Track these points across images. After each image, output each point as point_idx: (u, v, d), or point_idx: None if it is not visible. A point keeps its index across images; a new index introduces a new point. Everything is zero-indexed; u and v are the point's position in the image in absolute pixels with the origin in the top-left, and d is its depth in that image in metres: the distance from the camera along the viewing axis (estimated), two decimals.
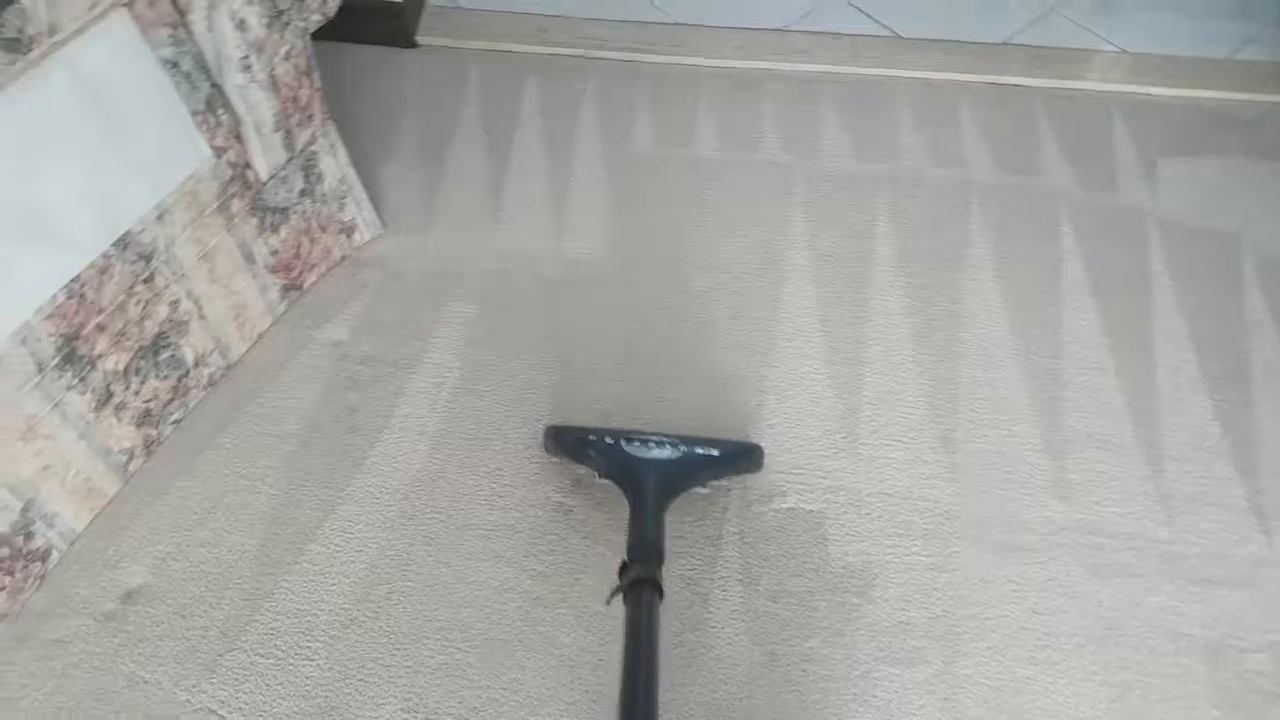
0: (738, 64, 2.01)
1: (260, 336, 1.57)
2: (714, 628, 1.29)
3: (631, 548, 1.26)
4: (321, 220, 1.58)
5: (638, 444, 1.37)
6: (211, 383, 1.50)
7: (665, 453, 1.37)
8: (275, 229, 1.49)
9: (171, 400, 1.43)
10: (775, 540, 1.39)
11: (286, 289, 1.58)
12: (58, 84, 1.11)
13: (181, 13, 1.23)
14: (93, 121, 1.16)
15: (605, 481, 1.40)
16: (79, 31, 1.11)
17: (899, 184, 1.83)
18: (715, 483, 1.44)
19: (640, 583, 1.18)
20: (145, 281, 1.30)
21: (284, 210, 1.50)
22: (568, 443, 1.43)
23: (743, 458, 1.45)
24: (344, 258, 1.67)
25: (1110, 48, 2.06)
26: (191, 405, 1.48)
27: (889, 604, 1.32)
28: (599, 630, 1.29)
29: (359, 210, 1.64)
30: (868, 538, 1.39)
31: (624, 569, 1.22)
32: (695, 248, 1.73)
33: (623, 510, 1.33)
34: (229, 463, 1.46)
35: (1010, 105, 1.97)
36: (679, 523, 1.39)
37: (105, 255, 1.22)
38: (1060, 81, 2.00)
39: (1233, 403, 1.53)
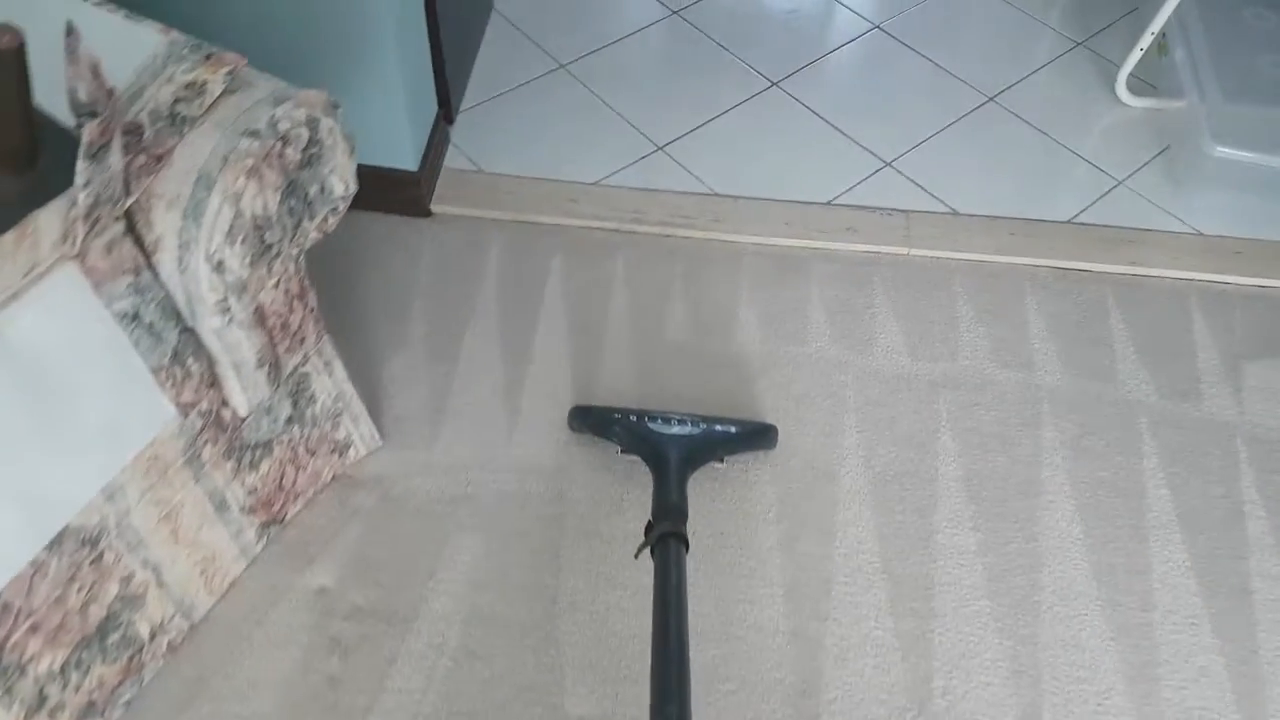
0: (781, 241, 1.83)
1: (232, 585, 1.35)
2: None
3: (657, 508, 1.34)
4: (311, 444, 1.37)
5: (660, 421, 1.47)
6: (171, 649, 1.28)
7: (685, 429, 1.46)
8: (255, 466, 1.29)
9: (121, 683, 1.21)
10: None
11: (265, 525, 1.37)
12: None
13: (148, 253, 1.04)
14: (20, 405, 0.95)
15: (630, 456, 1.48)
16: (11, 297, 0.91)
17: (960, 388, 1.64)
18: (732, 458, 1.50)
19: (667, 536, 1.25)
20: (92, 563, 1.08)
21: (266, 444, 1.29)
22: (592, 420, 1.52)
23: (758, 436, 1.53)
24: (335, 478, 1.46)
25: (1181, 228, 1.89)
26: (147, 680, 1.26)
27: None
28: None
29: (355, 426, 1.44)
30: None
31: (649, 528, 1.30)
32: (739, 459, 1.53)
33: None
34: None
35: (1078, 293, 1.79)
36: None
37: (31, 562, 1.01)
38: (1131, 267, 1.83)
39: None
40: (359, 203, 1.23)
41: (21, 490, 0.96)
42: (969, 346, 1.70)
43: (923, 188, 1.94)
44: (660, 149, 1.97)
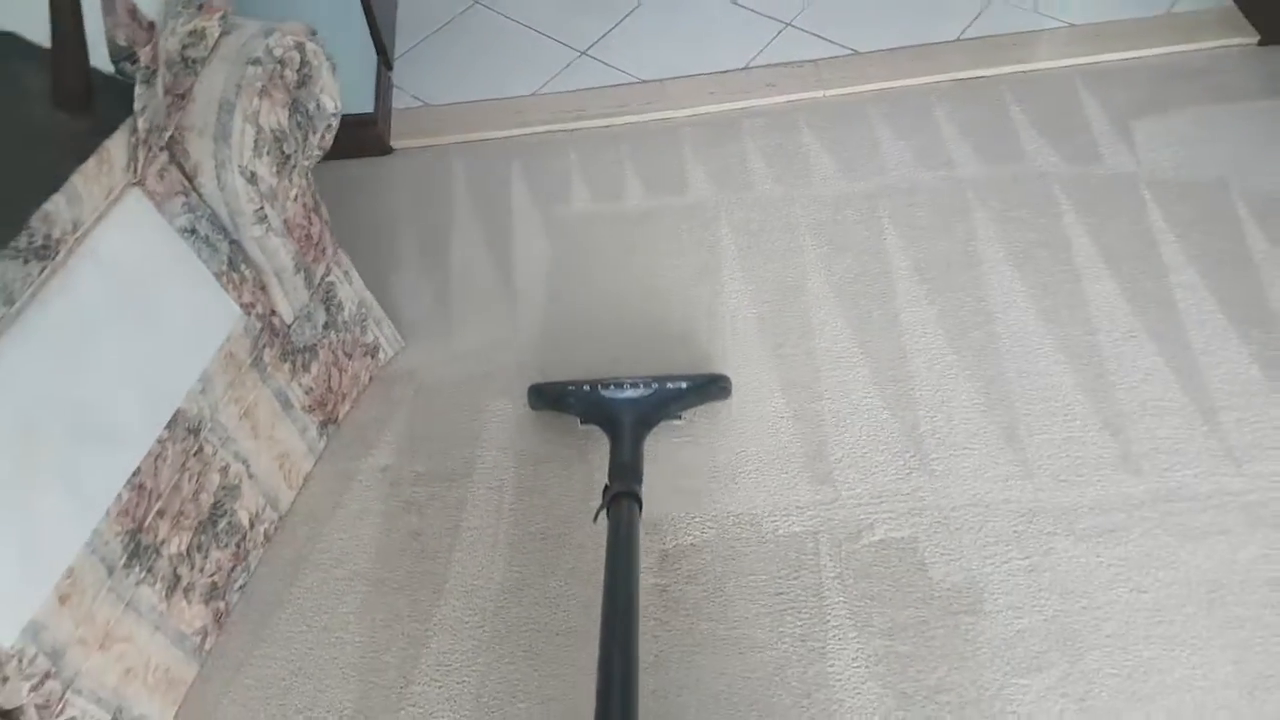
0: (711, 108, 2.03)
1: (306, 479, 1.53)
2: (839, 680, 1.29)
3: (612, 471, 1.39)
4: (347, 348, 1.55)
5: (612, 387, 1.51)
6: (268, 538, 1.46)
7: (637, 391, 1.50)
8: (306, 368, 1.46)
9: (234, 567, 1.39)
10: (876, 576, 1.38)
11: (324, 424, 1.54)
12: (85, 278, 1.08)
13: (190, 178, 1.21)
14: (125, 308, 1.13)
15: (588, 426, 1.52)
16: (98, 220, 1.08)
17: (895, 195, 1.85)
18: (687, 412, 1.56)
19: (620, 496, 1.32)
20: (195, 455, 1.26)
21: (312, 348, 1.47)
22: (549, 396, 1.57)
23: (711, 386, 1.56)
24: (372, 379, 1.64)
25: (1054, 24, 2.12)
26: (254, 567, 1.44)
27: (1001, 615, 1.33)
28: None
29: (379, 329, 1.62)
30: (963, 553, 1.39)
31: (606, 490, 1.35)
32: (720, 292, 1.74)
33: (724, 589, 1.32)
34: (305, 618, 1.41)
35: (979, 98, 2.01)
36: (775, 578, 1.38)
37: (159, 440, 1.19)
38: (1019, 66, 2.05)
39: (1263, 342, 1.57)
40: (329, 153, 1.38)
41: (140, 378, 1.15)
42: (894, 160, 1.92)
43: (823, 37, 2.14)
44: (583, 54, 2.15)
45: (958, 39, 2.12)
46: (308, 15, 1.72)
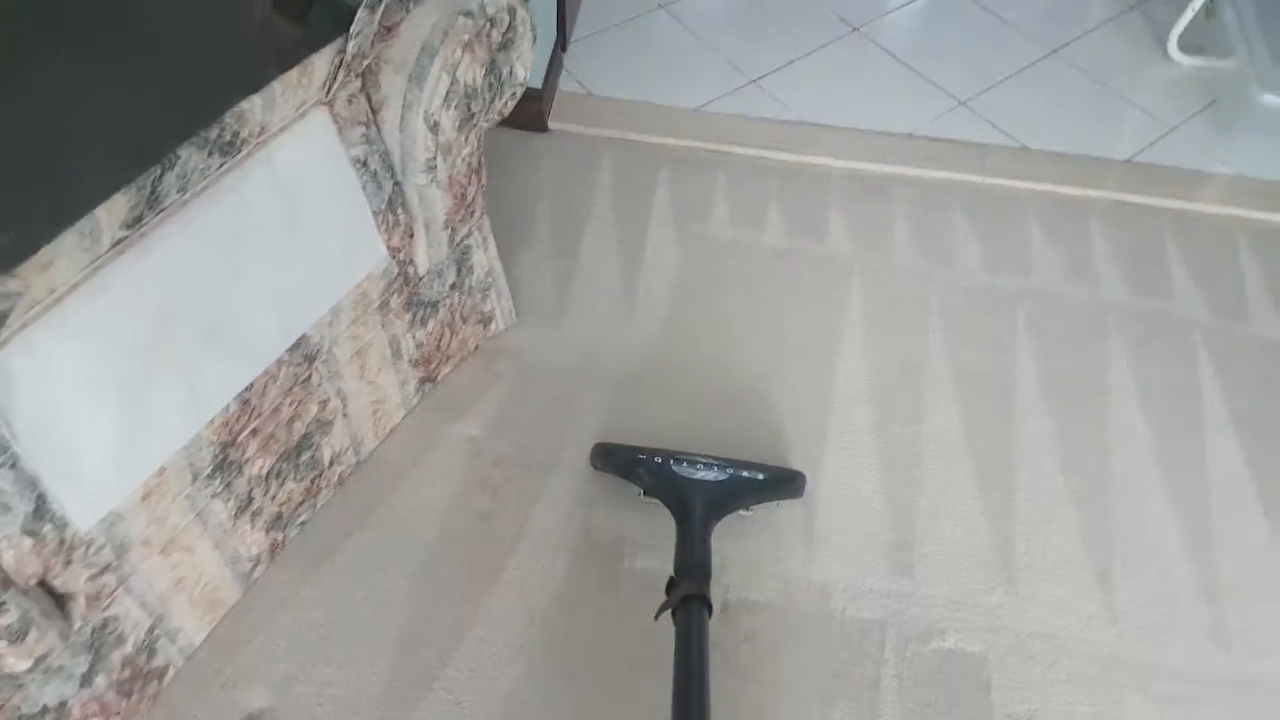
0: (866, 166, 1.99)
1: (392, 431, 1.51)
2: None
3: (679, 566, 1.29)
4: (464, 312, 1.53)
5: (685, 464, 1.39)
6: (341, 481, 1.44)
7: (712, 474, 1.39)
8: (424, 322, 1.45)
9: (303, 502, 1.37)
10: (937, 684, 1.33)
11: (423, 381, 1.52)
12: (256, 183, 1.07)
13: (374, 110, 1.19)
14: (285, 222, 1.12)
15: (651, 500, 1.42)
16: (282, 129, 1.07)
17: (1034, 299, 1.80)
18: (759, 506, 1.46)
19: (690, 599, 1.21)
20: (303, 382, 1.24)
21: (434, 304, 1.45)
22: (617, 460, 1.45)
23: (787, 483, 1.47)
24: (477, 348, 1.61)
25: (1228, 170, 2.06)
26: (319, 506, 1.42)
27: None
28: None
29: (499, 301, 1.60)
30: (1031, 686, 1.34)
31: (671, 585, 1.25)
32: (838, 348, 1.70)
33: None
34: (356, 571, 1.39)
35: (1137, 225, 1.95)
36: (835, 659, 1.33)
37: (278, 361, 1.17)
38: (1183, 203, 1.99)
39: None
40: None
41: (282, 295, 1.13)
42: (1040, 264, 1.86)
43: (994, 124, 2.10)
44: (753, 82, 2.13)
45: (1129, 160, 2.06)
46: None
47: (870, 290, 1.79)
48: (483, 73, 1.22)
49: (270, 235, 1.10)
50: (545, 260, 1.79)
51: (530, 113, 1.92)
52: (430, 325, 1.46)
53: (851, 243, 1.87)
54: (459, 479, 1.49)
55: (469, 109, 1.22)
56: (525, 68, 1.31)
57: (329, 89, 1.08)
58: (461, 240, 1.43)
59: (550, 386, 1.61)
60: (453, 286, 1.47)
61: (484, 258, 1.51)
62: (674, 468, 1.39)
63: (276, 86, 1.02)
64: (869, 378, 1.67)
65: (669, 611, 1.21)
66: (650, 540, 1.43)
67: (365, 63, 1.13)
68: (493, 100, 1.27)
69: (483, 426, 1.55)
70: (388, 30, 1.16)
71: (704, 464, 1.39)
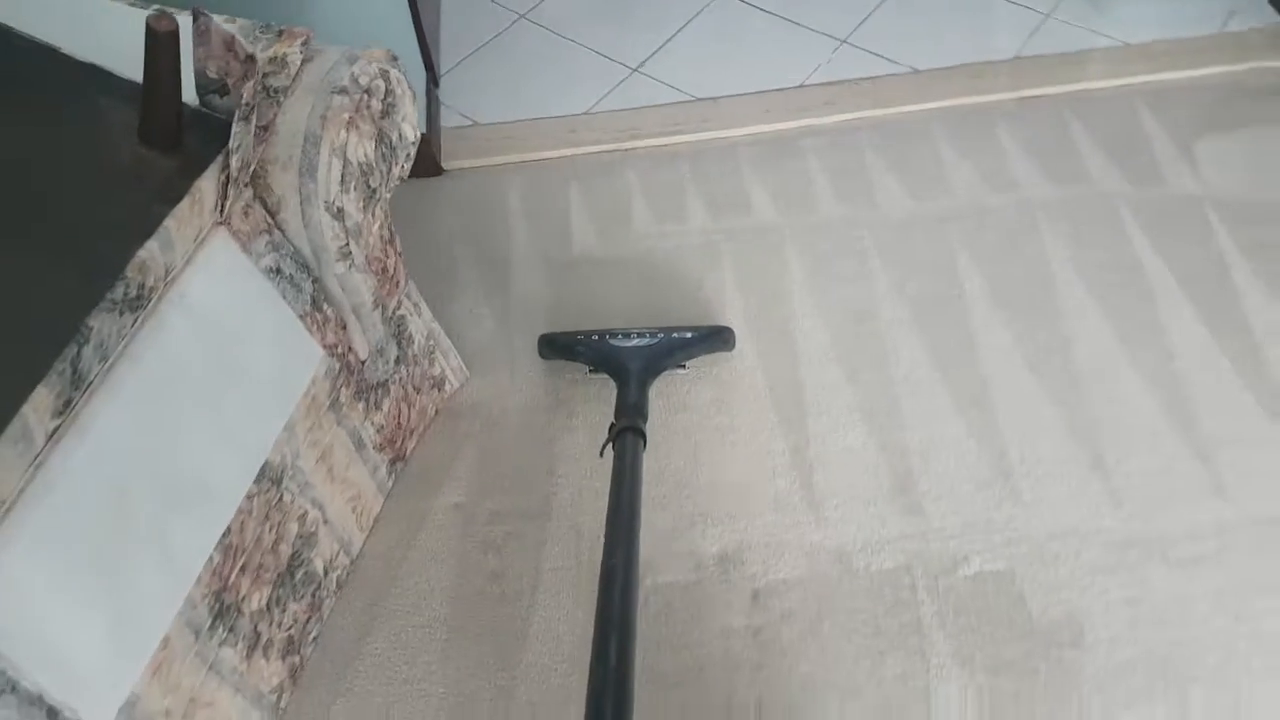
0: (768, 127, 1.99)
1: (376, 520, 1.47)
2: None
3: (618, 410, 1.47)
4: (415, 382, 1.50)
5: (620, 336, 1.58)
6: (340, 586, 1.40)
7: (644, 340, 1.57)
8: (379, 405, 1.41)
9: (310, 618, 1.33)
10: (974, 610, 1.34)
11: (393, 462, 1.49)
12: (174, 328, 1.01)
13: (273, 214, 1.15)
14: (214, 357, 1.07)
15: (599, 374, 1.59)
16: (186, 264, 1.03)
17: (962, 217, 1.82)
18: (692, 362, 1.61)
19: (625, 430, 1.40)
20: (276, 505, 1.20)
21: (384, 384, 1.41)
22: (560, 345, 1.63)
23: (714, 337, 1.62)
24: (438, 412, 1.58)
25: (1110, 42, 2.09)
26: (327, 616, 1.38)
27: (1103, 648, 1.30)
28: None
29: (446, 361, 1.57)
30: (1060, 585, 1.36)
31: (611, 428, 1.43)
32: (792, 316, 1.70)
33: None
34: (384, 669, 1.35)
35: (1039, 117, 1.98)
36: (873, 616, 1.34)
37: (248, 496, 1.13)
38: (1078, 84, 2.02)
39: None
40: None
41: (231, 431, 1.09)
42: (960, 181, 1.88)
43: (880, 54, 2.11)
44: (635, 70, 2.11)
45: (1015, 57, 2.08)
46: (350, 30, 1.68)
47: (806, 250, 1.79)
48: (373, 145, 1.18)
49: (203, 376, 1.05)
50: (479, 305, 1.76)
51: (421, 158, 1.86)
52: (386, 406, 1.43)
53: (774, 208, 1.86)
54: (458, 548, 1.46)
55: (368, 185, 1.19)
56: (413, 126, 1.28)
57: (222, 209, 1.04)
58: (394, 313, 1.40)
59: (521, 432, 1.59)
60: (397, 361, 1.43)
61: (420, 323, 1.48)
62: (611, 341, 1.58)
63: (170, 224, 0.97)
64: (829, 335, 1.67)
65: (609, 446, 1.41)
66: (664, 560, 1.42)
67: (250, 170, 1.09)
68: (389, 170, 1.24)
69: (465, 490, 1.52)
70: (264, 130, 1.12)
71: (637, 334, 1.58)
